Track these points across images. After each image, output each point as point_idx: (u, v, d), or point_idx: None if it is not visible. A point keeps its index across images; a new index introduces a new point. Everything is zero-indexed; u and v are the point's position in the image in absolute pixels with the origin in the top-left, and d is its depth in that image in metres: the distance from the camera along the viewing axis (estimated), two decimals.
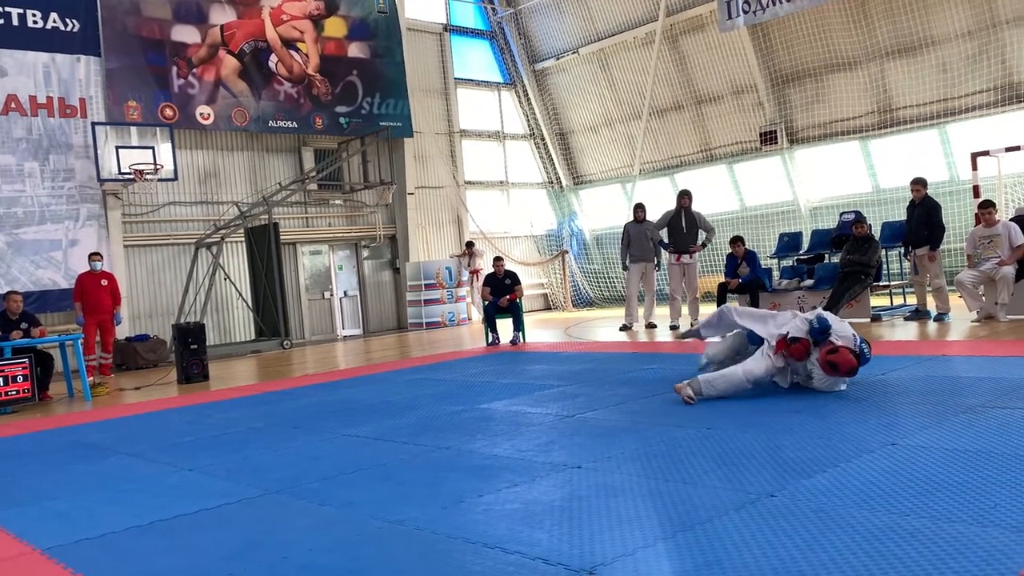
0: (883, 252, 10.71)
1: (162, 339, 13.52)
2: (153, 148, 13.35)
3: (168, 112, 14.20)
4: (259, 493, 4.09)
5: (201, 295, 14.14)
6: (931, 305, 9.97)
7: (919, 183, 10.03)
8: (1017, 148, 12.05)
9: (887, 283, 11.12)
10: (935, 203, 9.99)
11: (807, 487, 3.35)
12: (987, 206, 9.56)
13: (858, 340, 5.44)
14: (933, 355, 6.97)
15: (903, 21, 14.24)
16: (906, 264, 10.76)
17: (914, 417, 4.51)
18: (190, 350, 10.23)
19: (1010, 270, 8.97)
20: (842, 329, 5.47)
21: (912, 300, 10.79)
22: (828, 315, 5.54)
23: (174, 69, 14.34)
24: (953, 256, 12.99)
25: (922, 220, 9.86)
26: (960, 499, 3.02)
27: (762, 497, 3.27)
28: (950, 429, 4.15)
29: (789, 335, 5.45)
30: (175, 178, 13.87)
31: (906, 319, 10.08)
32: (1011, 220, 9.66)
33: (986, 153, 12.25)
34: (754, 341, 5.91)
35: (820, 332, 5.37)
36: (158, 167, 13.25)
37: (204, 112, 14.62)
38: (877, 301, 11.17)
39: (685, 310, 11.88)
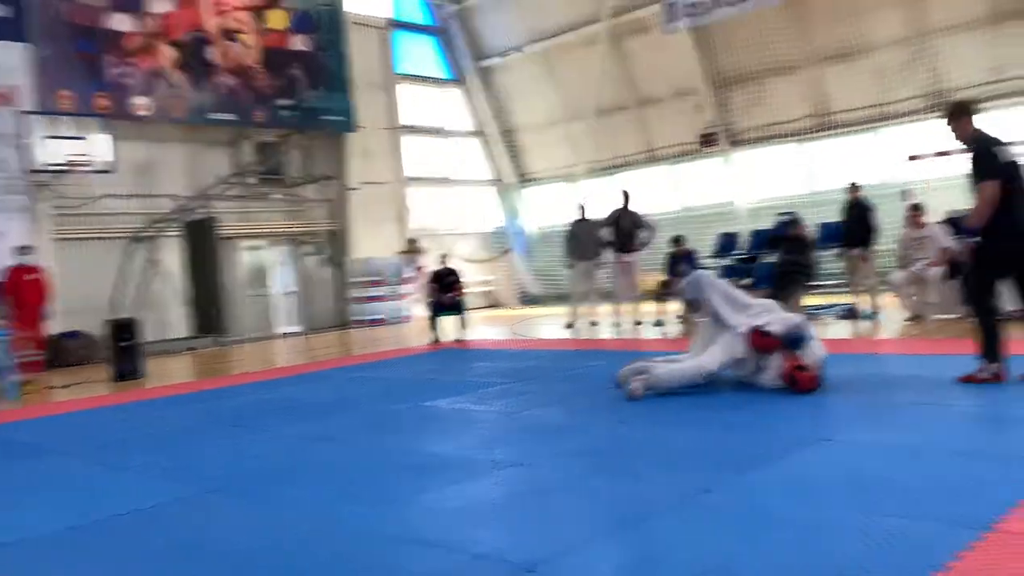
0: (818, 252, 10.97)
1: (94, 336, 13.12)
2: (87, 139, 12.96)
3: (102, 102, 13.79)
4: (195, 493, 4.01)
5: (136, 291, 13.78)
6: (864, 304, 10.25)
7: (854, 187, 10.34)
8: (946, 153, 12.46)
9: (822, 283, 11.39)
10: (870, 205, 10.31)
11: (743, 483, 3.42)
12: (916, 209, 9.87)
13: (824, 365, 5.52)
14: (866, 353, 7.17)
15: (841, 28, 14.60)
16: (841, 264, 11.05)
17: (847, 414, 4.64)
18: (123, 347, 9.96)
19: (939, 271, 9.28)
20: (818, 349, 5.54)
21: (846, 299, 11.08)
22: (812, 330, 5.60)
23: (109, 58, 13.93)
24: (885, 257, 13.38)
25: (858, 221, 10.16)
26: (890, 494, 3.12)
27: (699, 493, 3.32)
28: (882, 426, 4.28)
29: (765, 328, 5.51)
30: (110, 170, 13.49)
31: (840, 318, 10.35)
32: (940, 223, 10.00)
33: (917, 157, 12.63)
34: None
35: (795, 341, 5.42)
36: (92, 159, 12.86)
37: (140, 103, 14.25)
38: (812, 300, 11.44)
39: (627, 308, 11.97)
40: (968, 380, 5.19)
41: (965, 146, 5.40)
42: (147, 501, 3.90)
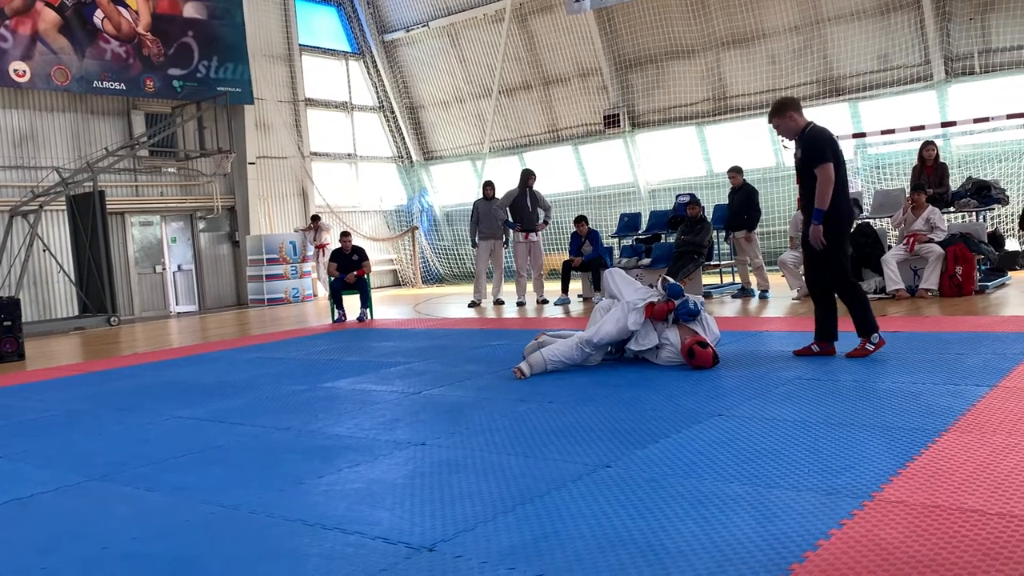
0: (714, 233, 11.30)
1: None
2: None
3: None
4: (79, 480, 3.83)
5: (17, 267, 13.05)
6: (754, 283, 10.63)
7: (736, 171, 10.73)
8: (837, 138, 12.96)
9: (717, 262, 11.75)
10: (753, 189, 10.71)
11: (641, 457, 3.49)
12: None
13: (718, 343, 5.75)
14: (757, 331, 7.42)
15: (737, 13, 15.00)
16: (728, 246, 11.43)
17: (739, 389, 4.79)
18: (3, 327, 9.42)
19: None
20: (713, 326, 5.79)
21: (739, 279, 11.46)
22: (704, 308, 5.82)
23: None
24: (776, 238, 13.89)
25: (743, 204, 10.53)
26: (778, 466, 3.24)
27: (598, 468, 3.37)
28: (771, 400, 4.44)
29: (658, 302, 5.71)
30: None
31: (733, 297, 10.70)
32: None
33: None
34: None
35: (687, 313, 5.62)
36: None
37: (19, 68, 13.41)
38: (708, 279, 11.79)
39: (530, 287, 12.06)
40: (855, 355, 5.46)
41: (794, 139, 5.66)
42: (25, 490, 3.70)
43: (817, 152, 5.40)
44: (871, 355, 5.42)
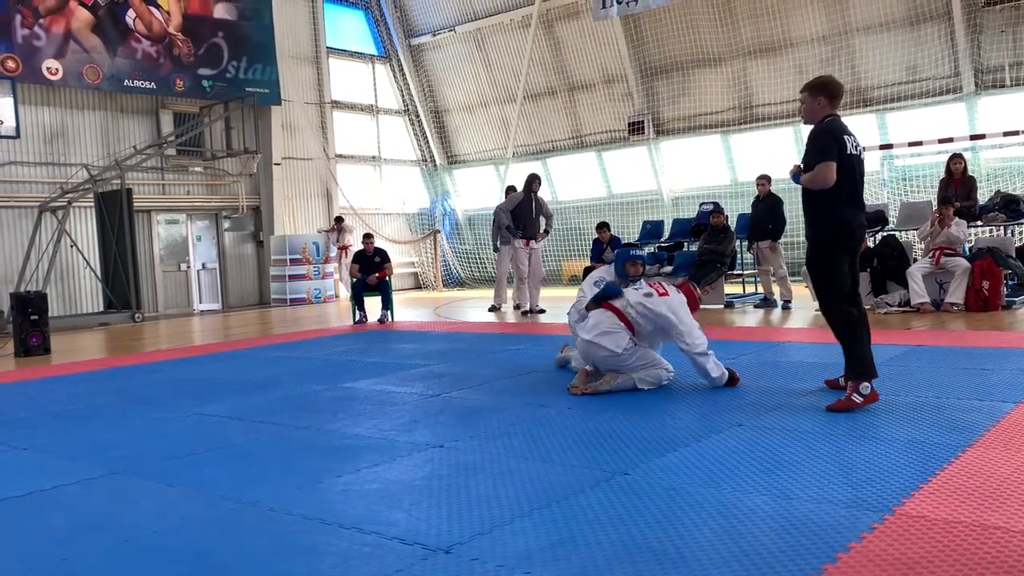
0: (737, 242, 11.24)
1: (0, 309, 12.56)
2: None
3: (10, 64, 13.11)
4: (102, 473, 3.87)
5: (44, 263, 13.21)
6: (777, 294, 10.55)
7: (765, 179, 10.65)
8: (863, 148, 12.86)
9: (740, 272, 11.67)
10: (778, 198, 10.63)
11: (659, 465, 3.47)
12: None
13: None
14: (779, 341, 7.37)
15: (765, 22, 14.92)
16: (751, 255, 11.36)
17: (760, 400, 4.76)
18: (30, 321, 9.54)
19: None
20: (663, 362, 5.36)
21: (762, 289, 11.38)
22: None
23: (18, 18, 13.24)
24: (800, 248, 13.76)
25: (766, 214, 10.46)
26: (798, 477, 3.21)
27: (617, 475, 3.36)
28: (792, 411, 4.40)
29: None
30: (16, 135, 12.85)
31: (756, 307, 10.63)
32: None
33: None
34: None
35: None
36: None
37: (51, 67, 13.60)
38: (731, 289, 11.72)
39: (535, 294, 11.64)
40: (836, 408, 4.37)
41: (810, 126, 4.78)
42: (48, 482, 3.74)
43: (818, 147, 4.53)
44: (862, 408, 4.30)
